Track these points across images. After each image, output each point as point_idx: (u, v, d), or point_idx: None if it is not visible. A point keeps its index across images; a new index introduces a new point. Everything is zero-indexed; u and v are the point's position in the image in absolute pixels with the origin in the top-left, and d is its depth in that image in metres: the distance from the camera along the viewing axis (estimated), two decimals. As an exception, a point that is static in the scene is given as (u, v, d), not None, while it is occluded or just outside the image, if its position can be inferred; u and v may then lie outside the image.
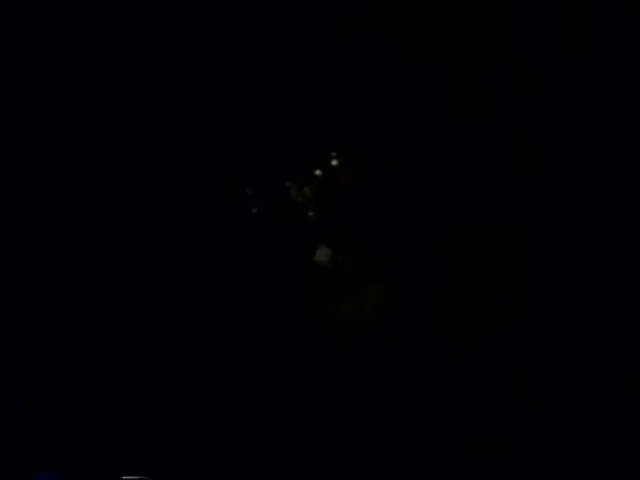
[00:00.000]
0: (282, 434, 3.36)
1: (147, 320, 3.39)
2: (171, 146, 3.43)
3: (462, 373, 3.36)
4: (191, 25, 3.42)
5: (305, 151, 3.48)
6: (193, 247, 3.45)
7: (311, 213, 3.48)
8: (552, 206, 3.36)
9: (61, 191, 3.42)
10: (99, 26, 3.42)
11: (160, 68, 3.42)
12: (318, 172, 3.48)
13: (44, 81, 3.42)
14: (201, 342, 3.41)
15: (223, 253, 3.47)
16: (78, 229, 3.42)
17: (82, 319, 3.41)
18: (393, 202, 3.45)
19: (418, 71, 3.41)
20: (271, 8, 3.47)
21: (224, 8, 3.42)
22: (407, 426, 3.36)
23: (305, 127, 3.47)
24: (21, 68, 3.39)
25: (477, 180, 3.42)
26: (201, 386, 3.39)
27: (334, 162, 3.48)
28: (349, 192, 3.48)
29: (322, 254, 3.47)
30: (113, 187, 3.41)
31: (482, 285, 3.37)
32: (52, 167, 3.43)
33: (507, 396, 3.32)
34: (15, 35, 3.38)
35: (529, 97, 3.35)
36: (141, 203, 3.42)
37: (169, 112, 3.41)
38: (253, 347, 3.45)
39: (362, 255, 3.45)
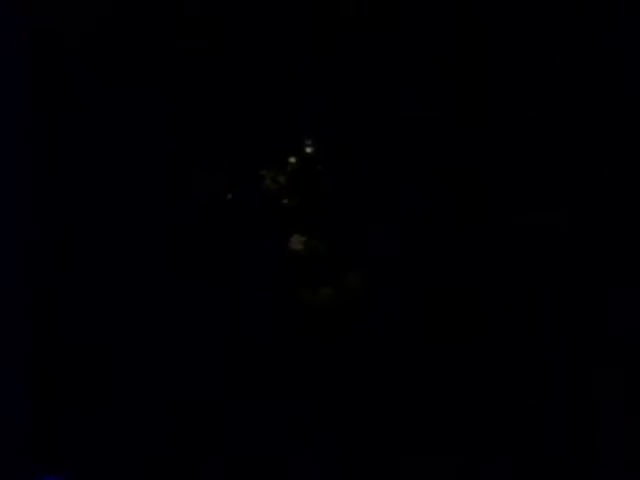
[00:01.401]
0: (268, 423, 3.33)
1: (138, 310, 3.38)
2: (155, 134, 3.43)
3: (441, 360, 3.35)
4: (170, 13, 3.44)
5: (279, 138, 3.48)
6: (171, 236, 3.43)
7: (285, 201, 3.47)
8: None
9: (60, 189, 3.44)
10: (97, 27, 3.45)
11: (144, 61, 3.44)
12: (292, 159, 3.48)
13: (44, 80, 3.44)
14: (183, 334, 3.38)
15: (199, 241, 3.44)
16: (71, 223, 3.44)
17: (81, 317, 3.38)
18: (367, 189, 3.46)
19: (395, 66, 3.45)
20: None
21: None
22: (390, 410, 3.33)
23: (280, 114, 3.47)
24: (22, 64, 3.41)
25: (449, 168, 3.45)
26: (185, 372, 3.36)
27: (308, 149, 3.48)
28: (324, 180, 3.48)
29: (297, 242, 3.45)
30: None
31: (460, 271, 3.38)
32: (52, 167, 3.44)
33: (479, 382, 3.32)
34: (16, 34, 3.40)
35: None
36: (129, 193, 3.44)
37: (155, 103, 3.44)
38: (230, 335, 3.41)
39: (337, 242, 3.44)
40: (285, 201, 3.46)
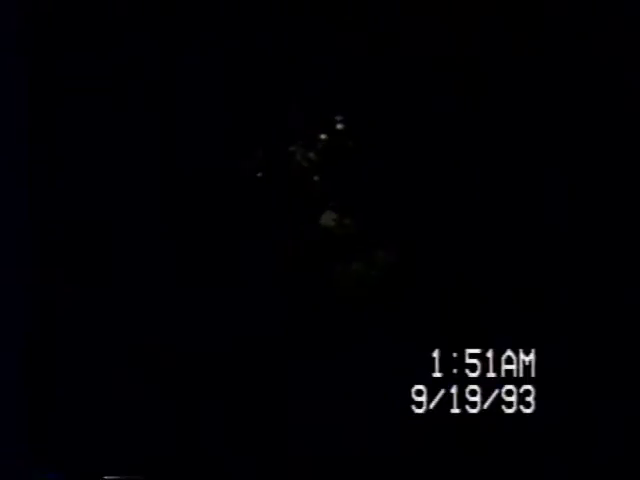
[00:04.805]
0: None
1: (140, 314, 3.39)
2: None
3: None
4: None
5: (310, 115, 3.48)
6: (198, 215, 3.43)
7: (316, 177, 3.48)
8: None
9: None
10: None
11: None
12: (323, 136, 3.49)
13: (43, 78, 3.44)
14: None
15: (230, 218, 3.45)
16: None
17: (78, 316, 3.39)
18: (398, 166, 3.47)
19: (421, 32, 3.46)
20: None
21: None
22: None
23: (311, 91, 3.48)
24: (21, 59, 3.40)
25: (475, 153, 3.47)
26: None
27: (339, 126, 3.49)
28: (354, 156, 3.49)
29: (328, 218, 3.46)
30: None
31: (489, 246, 3.40)
32: (50, 161, 3.44)
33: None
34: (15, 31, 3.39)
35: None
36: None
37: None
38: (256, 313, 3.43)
39: (368, 218, 3.45)
40: (316, 178, 3.47)
